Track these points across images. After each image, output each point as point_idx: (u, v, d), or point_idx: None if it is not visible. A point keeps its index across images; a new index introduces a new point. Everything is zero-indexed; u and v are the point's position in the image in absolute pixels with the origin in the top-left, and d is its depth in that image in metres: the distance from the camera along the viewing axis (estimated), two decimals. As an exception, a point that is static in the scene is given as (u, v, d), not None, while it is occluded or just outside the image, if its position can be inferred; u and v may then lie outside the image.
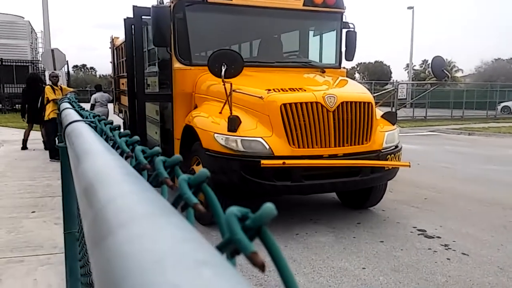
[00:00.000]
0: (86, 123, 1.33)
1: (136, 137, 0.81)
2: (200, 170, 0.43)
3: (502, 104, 27.93)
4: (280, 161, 4.17)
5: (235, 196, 4.64)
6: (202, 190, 0.42)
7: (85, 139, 0.94)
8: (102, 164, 0.61)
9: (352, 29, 5.95)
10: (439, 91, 27.03)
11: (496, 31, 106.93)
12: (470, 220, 5.03)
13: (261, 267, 0.30)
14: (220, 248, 0.31)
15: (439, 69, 5.04)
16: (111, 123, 1.19)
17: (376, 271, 3.61)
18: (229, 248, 0.30)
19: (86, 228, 0.40)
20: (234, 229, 0.30)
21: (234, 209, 0.31)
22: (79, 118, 1.44)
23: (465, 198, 6.03)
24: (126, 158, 0.87)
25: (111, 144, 1.01)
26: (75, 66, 74.08)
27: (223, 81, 4.06)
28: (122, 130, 1.15)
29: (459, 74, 54.43)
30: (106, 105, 11.33)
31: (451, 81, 39.52)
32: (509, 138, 14.66)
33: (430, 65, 5.36)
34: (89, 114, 1.55)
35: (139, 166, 0.68)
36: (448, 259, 3.88)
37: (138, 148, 0.69)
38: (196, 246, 0.26)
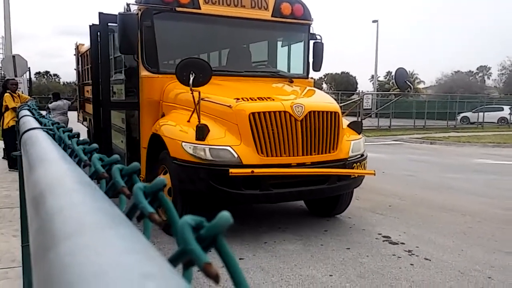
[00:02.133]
0: (44, 130, 1.27)
1: (94, 145, 0.78)
2: (157, 178, 0.42)
3: (462, 115, 29.23)
4: (249, 170, 4.17)
5: (203, 205, 4.59)
6: (159, 199, 0.41)
7: (40, 147, 0.90)
8: (55, 172, 0.59)
9: (319, 41, 6.07)
10: (403, 102, 27.98)
11: (456, 45, 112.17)
12: (432, 226, 5.18)
13: (215, 278, 0.29)
14: (173, 260, 0.29)
15: (402, 80, 5.20)
16: (70, 130, 1.15)
17: (343, 278, 3.65)
18: (183, 259, 0.29)
19: (31, 240, 0.38)
20: (187, 239, 0.28)
21: (187, 218, 0.30)
22: (37, 125, 1.38)
23: (427, 205, 6.22)
24: (84, 167, 0.84)
25: (69, 152, 0.97)
26: (38, 73, 71.47)
27: (191, 89, 4.02)
28: (87, 138, 1.11)
29: (421, 86, 56.58)
30: (66, 113, 11.01)
31: (414, 92, 40.98)
32: (468, 147, 15.31)
33: (393, 77, 5.53)
34: (48, 121, 1.49)
35: (96, 174, 0.66)
36: (411, 264, 3.98)
37: (96, 156, 0.66)
38: (143, 258, 0.24)
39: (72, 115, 11.57)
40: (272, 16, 5.57)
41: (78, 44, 10.49)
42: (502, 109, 29.62)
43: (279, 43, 6.27)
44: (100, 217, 0.34)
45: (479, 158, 12.13)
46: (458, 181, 8.18)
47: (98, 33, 5.67)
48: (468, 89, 46.09)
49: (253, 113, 4.30)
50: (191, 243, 0.29)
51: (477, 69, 64.11)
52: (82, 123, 10.88)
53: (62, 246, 0.29)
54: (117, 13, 4.86)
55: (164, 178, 0.41)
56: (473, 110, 29.16)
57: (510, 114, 28.18)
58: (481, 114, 27.60)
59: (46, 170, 0.62)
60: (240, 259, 4.04)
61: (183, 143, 4.30)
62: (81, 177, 0.54)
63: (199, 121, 4.19)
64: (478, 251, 4.35)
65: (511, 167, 10.44)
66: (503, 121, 28.60)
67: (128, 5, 5.02)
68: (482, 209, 5.99)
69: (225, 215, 0.30)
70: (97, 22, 5.51)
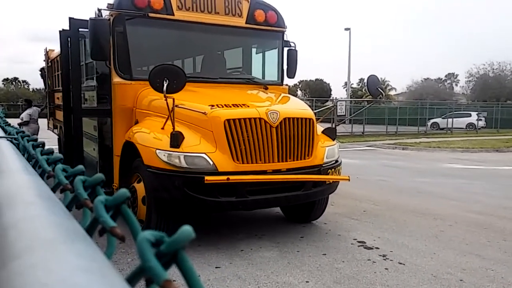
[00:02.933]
0: (8, 139, 1.22)
1: (59, 155, 0.74)
2: (120, 190, 0.40)
3: (432, 121, 30.10)
4: (224, 177, 4.14)
5: (179, 213, 4.52)
6: (121, 212, 0.39)
7: (2, 156, 0.86)
8: (15, 184, 0.56)
9: (293, 48, 6.13)
10: (375, 108, 28.61)
11: (426, 53, 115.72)
12: (405, 230, 5.28)
13: (176, 296, 0.27)
14: (131, 278, 0.28)
15: (374, 87, 5.31)
16: (35, 140, 1.10)
17: (319, 284, 3.66)
18: (141, 277, 0.28)
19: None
20: (146, 256, 0.27)
21: (147, 234, 0.28)
22: (1, 134, 1.32)
23: (400, 209, 6.34)
24: (47, 178, 0.80)
25: (33, 162, 0.93)
26: (6, 80, 69.23)
27: (165, 96, 3.97)
28: (58, 146, 1.07)
29: (392, 93, 58.03)
30: (37, 121, 10.74)
31: (386, 99, 41.96)
32: (438, 152, 15.74)
33: (366, 84, 5.63)
34: (13, 130, 1.43)
35: (59, 186, 0.63)
36: (386, 269, 4.03)
37: (59, 166, 0.63)
38: (96, 278, 0.23)
39: (42, 123, 11.26)
40: (246, 23, 5.59)
41: (48, 50, 10.24)
42: (470, 115, 30.69)
43: (254, 50, 6.29)
44: (56, 233, 0.32)
45: (449, 163, 12.49)
46: (430, 186, 8.39)
47: (69, 39, 5.54)
48: (437, 96, 47.59)
49: (228, 120, 4.29)
50: (150, 259, 0.27)
51: (446, 76, 66.36)
52: (53, 131, 10.60)
53: (12, 265, 0.27)
54: (88, 19, 4.76)
55: (127, 190, 0.39)
56: (442, 116, 30.08)
57: (477, 120, 29.22)
58: (450, 120, 28.50)
59: (5, 181, 0.59)
60: (216, 267, 4.00)
61: (157, 151, 4.24)
62: (42, 189, 0.51)
63: (173, 128, 4.14)
64: (450, 254, 4.45)
65: (479, 172, 10.79)
66: (471, 126, 29.63)
67: (99, 10, 4.93)
68: (453, 213, 6.15)
69: (186, 230, 0.29)
70: (67, 28, 5.39)
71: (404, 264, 4.14)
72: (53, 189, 0.70)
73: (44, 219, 0.36)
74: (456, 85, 64.05)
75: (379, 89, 5.33)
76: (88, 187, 0.52)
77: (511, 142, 18.82)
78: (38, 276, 0.24)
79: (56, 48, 8.96)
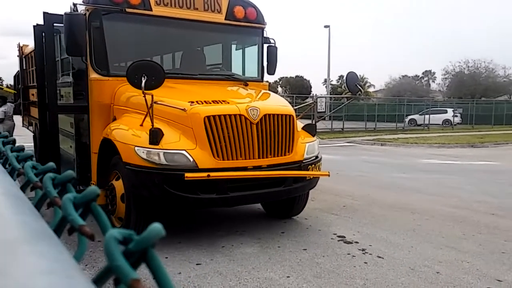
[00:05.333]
0: (-23, 137, 1.17)
1: (29, 152, 0.72)
2: (89, 187, 0.38)
3: (409, 117, 30.66)
4: (205, 174, 4.11)
5: (158, 211, 4.47)
6: (91, 210, 0.37)
7: (-31, 154, 0.82)
8: (-20, 183, 0.53)
9: (273, 44, 6.12)
10: (354, 105, 28.94)
11: (403, 50, 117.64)
12: (384, 225, 5.37)
13: (144, 296, 0.26)
14: (98, 279, 0.26)
15: (353, 84, 5.36)
16: (6, 136, 1.07)
17: (300, 279, 3.68)
18: (109, 277, 0.26)
19: None
20: (113, 255, 0.25)
21: (114, 232, 0.27)
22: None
23: (379, 204, 6.44)
24: (18, 176, 0.78)
25: (3, 160, 0.90)
26: (-22, 75, 66.94)
27: (143, 92, 3.91)
28: (32, 143, 1.03)
29: (371, 89, 58.80)
30: (12, 118, 10.45)
31: (365, 95, 42.52)
32: (416, 148, 16.06)
33: (345, 80, 5.68)
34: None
35: (29, 184, 0.61)
36: (365, 263, 4.09)
37: (28, 164, 0.61)
38: (58, 280, 0.21)
39: (18, 119, 10.96)
40: (225, 19, 5.55)
41: (21, 45, 9.94)
42: (446, 112, 31.37)
43: (233, 46, 6.26)
44: (19, 233, 0.30)
45: (426, 158, 12.76)
46: (408, 181, 8.55)
47: (43, 34, 5.39)
48: (415, 93, 48.50)
49: (208, 117, 4.26)
50: (117, 258, 0.26)
51: (423, 73, 67.50)
52: (28, 128, 10.33)
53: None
54: (63, 13, 4.64)
55: (96, 187, 0.38)
56: (420, 113, 30.67)
57: (453, 116, 29.91)
58: (427, 116, 29.09)
59: (-30, 180, 0.56)
60: (197, 264, 3.97)
61: (136, 148, 4.18)
62: (8, 188, 0.49)
63: (152, 125, 4.09)
64: (427, 247, 4.55)
65: (455, 167, 11.06)
66: (447, 123, 30.31)
67: (74, 5, 4.81)
68: (430, 207, 6.28)
69: (155, 227, 0.28)
70: (41, 22, 5.25)
71: (382, 258, 4.21)
72: (23, 188, 0.67)
73: (8, 218, 0.34)
74: (433, 82, 65.36)
75: (358, 86, 5.39)
76: (59, 184, 0.50)
77: (485, 137, 19.36)
78: (-4, 279, 0.23)
79: (30, 43, 8.72)
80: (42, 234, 0.32)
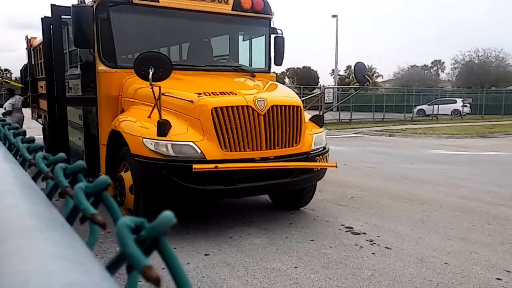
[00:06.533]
0: (-12, 128, 1.19)
1: (40, 143, 0.73)
2: (100, 176, 0.39)
3: (418, 107, 30.40)
4: (212, 165, 4.13)
5: (167, 202, 4.51)
6: (102, 199, 0.38)
7: (-19, 146, 0.84)
8: (-7, 173, 0.54)
9: (280, 35, 6.09)
10: (362, 95, 28.76)
11: (412, 40, 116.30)
12: (392, 215, 5.36)
13: (156, 281, 0.27)
14: (112, 265, 0.27)
15: (361, 74, 5.32)
16: (16, 128, 1.08)
17: (308, 270, 3.70)
18: (122, 264, 0.27)
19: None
20: (125, 242, 0.26)
21: (126, 219, 0.28)
22: (-20, 123, 1.29)
23: (387, 195, 6.42)
24: (29, 167, 0.79)
25: (14, 151, 0.91)
26: (-12, 68, 67.48)
27: (150, 84, 3.92)
28: (42, 135, 1.04)
29: (379, 80, 58.29)
30: (21, 110, 10.55)
31: (373, 86, 42.19)
32: (424, 138, 15.94)
33: (353, 71, 5.64)
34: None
35: (40, 174, 0.62)
36: (373, 253, 4.09)
37: (39, 154, 0.62)
38: (72, 265, 0.22)
39: (27, 112, 11.06)
40: (232, 10, 5.52)
41: (29, 38, 9.99)
42: (455, 102, 31.06)
43: (240, 37, 6.24)
44: (33, 221, 0.31)
45: (435, 149, 12.66)
46: (416, 172, 8.50)
47: (51, 26, 5.41)
48: (423, 83, 47.99)
49: (215, 108, 4.26)
50: (130, 245, 0.27)
51: (432, 63, 66.83)
52: (37, 120, 10.42)
53: (-14, 255, 0.26)
54: (70, 5, 4.65)
55: (107, 177, 0.39)
56: (428, 103, 30.40)
57: (462, 106, 29.60)
58: (436, 106, 28.82)
59: (-17, 171, 0.57)
60: (205, 255, 4.01)
61: (144, 139, 4.20)
62: (21, 178, 0.50)
63: (160, 117, 4.10)
64: (435, 238, 4.54)
65: (464, 157, 10.97)
66: (456, 113, 30.01)
67: (82, -4, 4.82)
68: (438, 198, 6.26)
69: (167, 215, 0.28)
70: (49, 15, 5.26)
71: (390, 249, 4.21)
72: (35, 178, 0.68)
73: (21, 208, 0.35)
74: (442, 71, 64.64)
75: (366, 76, 5.35)
76: (69, 174, 0.50)
77: (495, 128, 19.16)
78: (13, 265, 0.23)
79: (38, 36, 8.76)
80: (55, 223, 0.32)
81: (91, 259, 0.24)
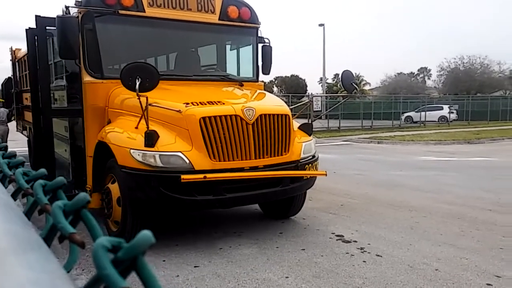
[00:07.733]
0: (-31, 143, 1.16)
1: (21, 159, 0.71)
2: (79, 194, 0.38)
3: (405, 114, 30.74)
4: (201, 175, 4.10)
5: (154, 213, 4.46)
6: (82, 218, 0.37)
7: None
8: (-31, 190, 0.52)
9: (268, 44, 6.12)
10: (350, 103, 28.99)
11: (398, 47, 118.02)
12: (382, 223, 5.37)
13: (135, 306, 0.25)
14: None
15: (349, 82, 5.36)
16: (-3, 142, 1.05)
17: (299, 279, 3.68)
18: (99, 286, 0.26)
19: None
20: (101, 264, 0.25)
21: (103, 240, 0.26)
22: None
23: (376, 202, 6.45)
24: (9, 182, 0.77)
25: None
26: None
27: (137, 94, 3.90)
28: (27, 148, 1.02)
29: (367, 87, 58.89)
30: (6, 122, 10.38)
31: (360, 93, 42.62)
32: (412, 145, 16.11)
33: (340, 79, 5.68)
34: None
35: (20, 191, 0.60)
36: (364, 261, 4.09)
37: (19, 170, 0.60)
38: (44, 292, 0.21)
39: (11, 124, 10.89)
40: (219, 19, 5.54)
41: (14, 49, 9.89)
42: (442, 108, 31.50)
43: (228, 47, 6.25)
44: (7, 242, 0.30)
45: (423, 155, 12.79)
46: (405, 178, 8.57)
47: (36, 37, 5.36)
48: (410, 90, 48.59)
49: (203, 118, 4.25)
50: (106, 267, 0.25)
51: (418, 70, 67.69)
52: (22, 132, 10.27)
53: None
54: (55, 16, 4.62)
55: (86, 194, 0.37)
56: (415, 110, 30.77)
57: (449, 113, 30.03)
58: (423, 113, 29.17)
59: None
60: (195, 266, 3.96)
61: (132, 150, 4.16)
62: (-2, 195, 0.48)
63: (147, 127, 4.07)
64: (425, 245, 4.56)
65: (452, 163, 11.10)
66: (443, 119, 30.41)
67: (67, 7, 4.78)
68: (427, 204, 6.30)
69: (145, 234, 0.27)
70: (34, 26, 5.22)
71: (381, 256, 4.21)
72: (15, 194, 0.67)
73: (-5, 227, 0.33)
74: (429, 79, 65.51)
75: (354, 84, 5.39)
76: (49, 191, 0.49)
77: (481, 133, 19.45)
78: (-20, 292, 0.22)
79: (22, 47, 8.67)
80: (30, 244, 0.31)
81: (66, 283, 0.23)
